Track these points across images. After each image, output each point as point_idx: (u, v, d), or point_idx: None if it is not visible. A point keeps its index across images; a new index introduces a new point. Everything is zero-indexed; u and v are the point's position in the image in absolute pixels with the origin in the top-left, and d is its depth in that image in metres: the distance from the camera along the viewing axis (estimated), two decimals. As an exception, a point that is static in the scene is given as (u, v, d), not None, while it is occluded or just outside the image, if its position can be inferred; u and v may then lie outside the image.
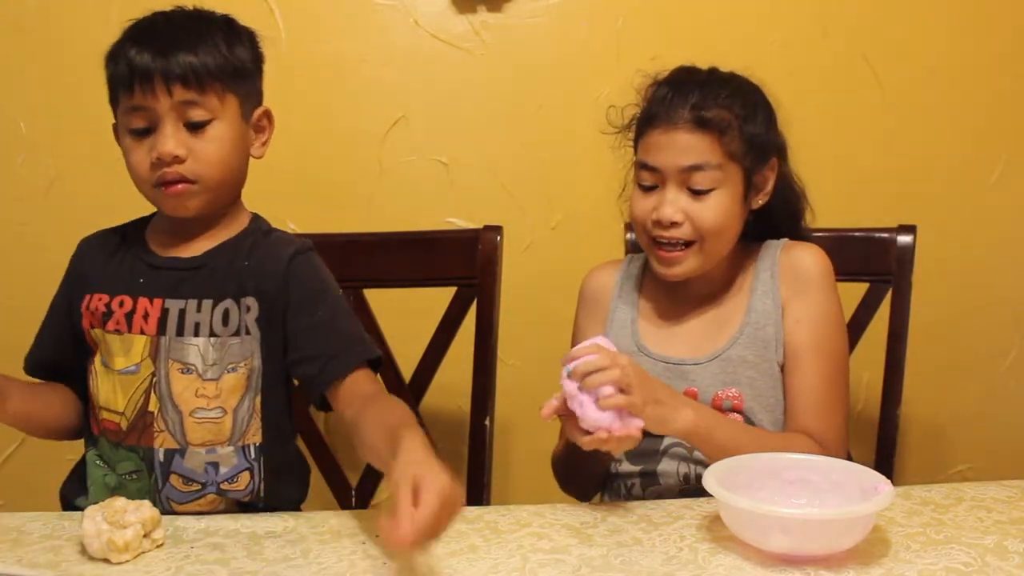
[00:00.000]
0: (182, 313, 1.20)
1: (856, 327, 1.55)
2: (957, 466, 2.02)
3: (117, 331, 1.20)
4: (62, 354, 1.28)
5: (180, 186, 1.17)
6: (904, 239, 1.54)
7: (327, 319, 1.24)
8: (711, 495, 1.01)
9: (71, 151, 1.84)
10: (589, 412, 1.10)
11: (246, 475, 1.22)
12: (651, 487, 1.33)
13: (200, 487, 1.20)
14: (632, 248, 1.54)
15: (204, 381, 1.19)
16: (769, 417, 1.30)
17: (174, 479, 1.19)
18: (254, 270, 1.22)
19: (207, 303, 1.20)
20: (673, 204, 1.28)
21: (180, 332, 1.19)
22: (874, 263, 1.56)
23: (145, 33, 1.18)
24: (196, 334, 1.19)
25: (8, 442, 1.91)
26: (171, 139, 1.15)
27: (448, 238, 1.61)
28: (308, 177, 1.87)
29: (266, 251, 1.25)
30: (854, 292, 1.57)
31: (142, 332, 1.20)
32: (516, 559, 1.01)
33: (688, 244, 1.29)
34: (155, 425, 1.19)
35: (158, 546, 1.05)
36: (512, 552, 1.03)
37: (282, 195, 1.76)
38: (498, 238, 1.55)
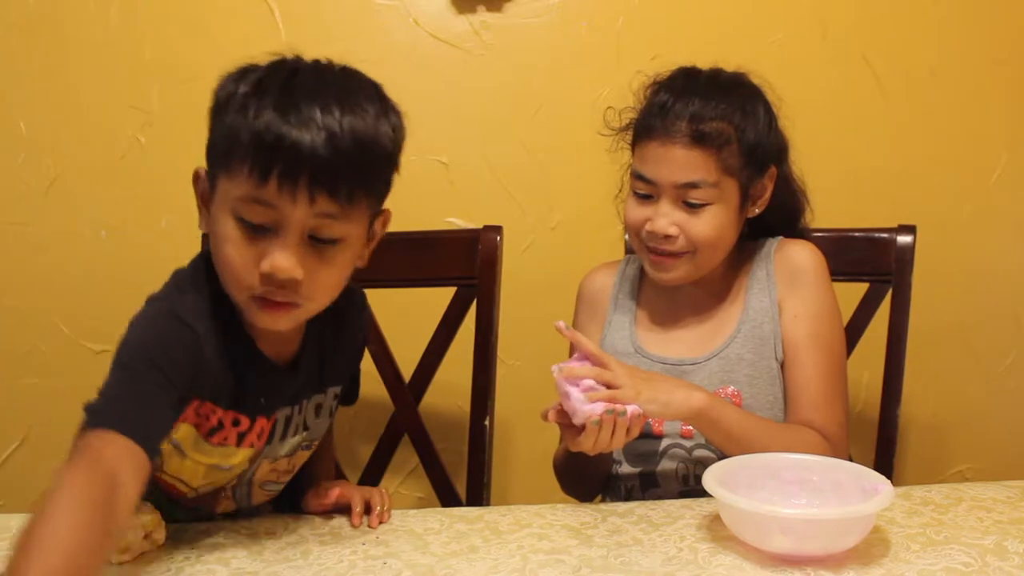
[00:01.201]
0: (288, 419, 1.13)
1: (856, 327, 1.56)
2: (957, 466, 2.02)
3: (221, 444, 1.07)
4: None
5: (284, 308, 0.99)
6: (904, 239, 1.54)
7: (357, 367, 1.29)
8: (711, 495, 1.01)
9: (71, 151, 1.83)
10: (579, 406, 1.10)
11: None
12: (651, 488, 1.33)
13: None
14: (631, 249, 1.54)
15: (278, 460, 1.16)
16: (768, 414, 1.30)
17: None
18: (340, 359, 1.19)
19: (307, 403, 1.15)
20: (667, 217, 1.28)
21: (284, 437, 1.14)
22: (874, 263, 1.56)
23: (295, 105, 0.93)
24: (294, 434, 1.15)
25: (8, 442, 1.91)
26: (294, 258, 0.95)
27: (448, 238, 1.61)
28: (308, 177, 1.86)
29: (345, 333, 1.18)
30: (854, 292, 1.57)
31: (251, 446, 1.10)
32: (516, 559, 1.01)
33: (682, 253, 1.29)
34: (223, 494, 1.16)
35: (159, 547, 1.05)
36: (512, 552, 1.03)
37: (282, 195, 1.76)
38: (498, 238, 1.55)
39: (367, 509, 1.15)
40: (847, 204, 1.81)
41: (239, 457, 1.10)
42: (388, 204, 1.84)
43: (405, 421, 1.58)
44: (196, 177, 1.04)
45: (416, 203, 1.87)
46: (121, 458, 0.87)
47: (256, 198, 0.93)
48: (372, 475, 1.60)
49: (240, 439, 1.08)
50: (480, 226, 1.57)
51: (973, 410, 1.99)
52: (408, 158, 1.86)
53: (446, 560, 1.01)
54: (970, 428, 2.00)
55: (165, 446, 1.05)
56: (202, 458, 1.08)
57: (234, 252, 0.96)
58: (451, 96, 1.87)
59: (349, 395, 1.31)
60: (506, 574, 0.98)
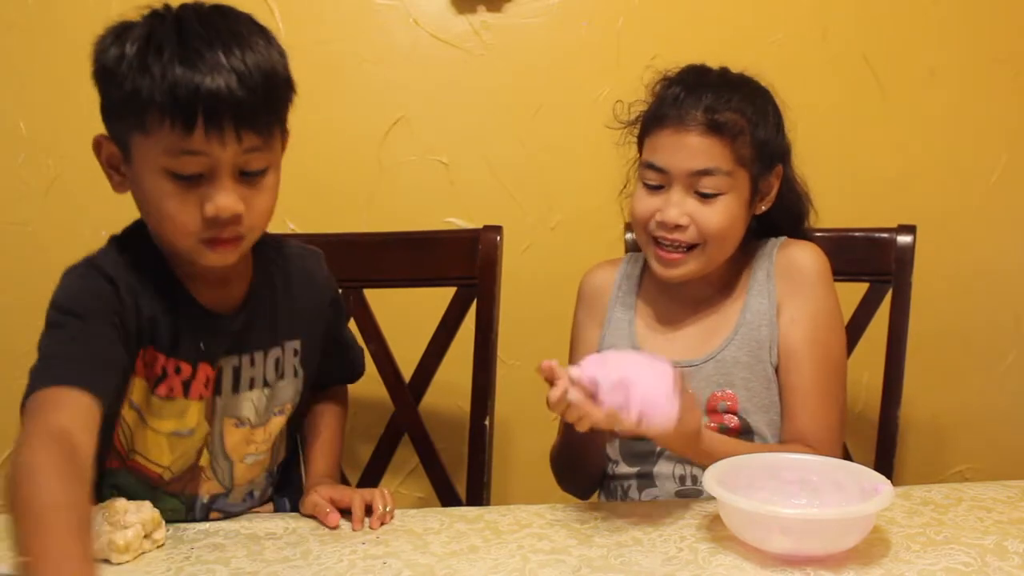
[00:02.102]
0: (236, 371, 1.13)
1: (856, 327, 1.55)
2: (957, 466, 2.02)
3: (169, 397, 1.10)
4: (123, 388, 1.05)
5: (231, 243, 1.04)
6: (904, 239, 1.54)
7: (342, 336, 1.32)
8: (709, 495, 1.01)
9: (71, 151, 1.83)
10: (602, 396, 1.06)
11: (270, 490, 1.26)
12: (647, 488, 1.33)
13: (237, 515, 1.19)
14: (632, 248, 1.54)
15: (254, 428, 1.17)
16: (765, 418, 1.30)
17: (213, 515, 1.18)
18: (295, 311, 1.19)
19: (259, 355, 1.15)
20: (679, 207, 1.26)
21: (236, 390, 1.14)
22: (874, 263, 1.56)
23: (198, 52, 0.96)
24: (251, 388, 1.15)
25: (8, 442, 1.90)
26: (233, 194, 1.00)
27: (448, 238, 1.61)
28: (308, 177, 1.86)
29: (299, 284, 1.20)
30: (854, 292, 1.57)
31: (200, 397, 1.11)
32: (516, 559, 1.01)
33: (690, 248, 1.28)
34: (203, 475, 1.16)
35: (159, 547, 1.05)
36: (512, 552, 1.03)
37: (282, 195, 1.75)
38: (498, 238, 1.55)
39: (368, 511, 1.13)
40: (847, 204, 1.81)
41: (193, 414, 1.11)
42: (387, 202, 1.87)
43: (405, 421, 1.58)
44: (97, 145, 1.06)
45: (416, 203, 1.88)
46: (71, 416, 0.92)
47: (184, 149, 0.97)
48: (372, 475, 1.60)
49: (186, 389, 1.09)
50: (480, 226, 1.57)
51: (973, 410, 1.99)
52: (408, 158, 1.89)
53: (446, 560, 1.01)
54: (970, 428, 2.00)
55: (127, 412, 1.09)
56: (159, 424, 1.10)
57: (173, 205, 1.00)
58: (451, 96, 1.87)
59: (347, 370, 1.34)
60: (506, 574, 0.98)
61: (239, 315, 1.13)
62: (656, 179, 1.29)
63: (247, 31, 1.01)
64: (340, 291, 1.34)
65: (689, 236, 1.27)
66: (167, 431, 1.11)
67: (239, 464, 1.18)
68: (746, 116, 1.27)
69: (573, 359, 1.42)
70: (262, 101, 0.98)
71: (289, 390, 1.20)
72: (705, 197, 1.26)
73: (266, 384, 1.16)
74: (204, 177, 0.99)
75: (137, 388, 1.09)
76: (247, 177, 1.02)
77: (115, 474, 1.15)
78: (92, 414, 0.93)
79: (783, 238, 1.37)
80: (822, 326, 1.30)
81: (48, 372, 0.96)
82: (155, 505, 1.10)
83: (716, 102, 1.25)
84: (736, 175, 1.26)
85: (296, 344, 1.19)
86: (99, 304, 1.02)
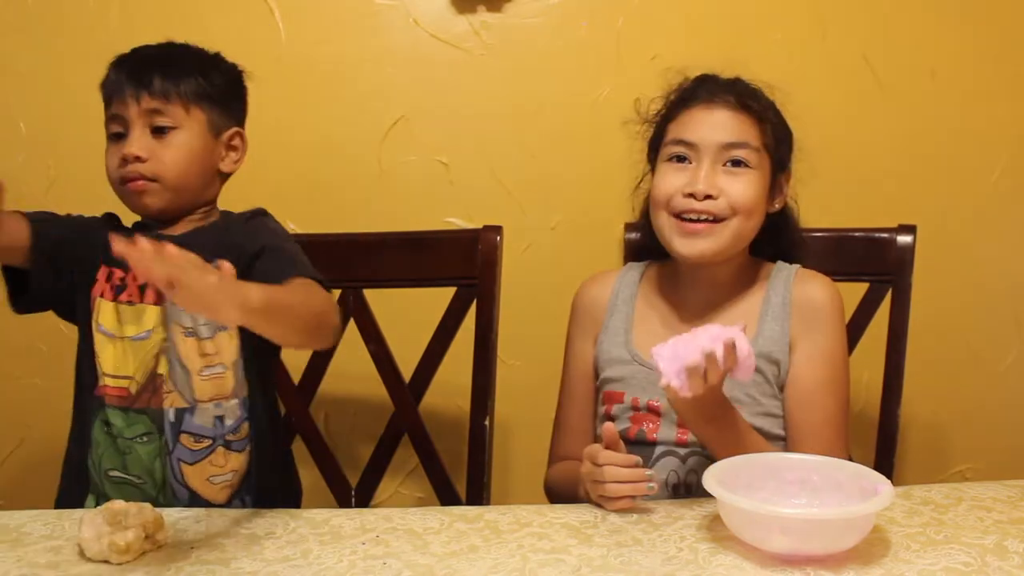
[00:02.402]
0: None
1: (856, 327, 1.55)
2: (957, 466, 2.02)
3: (130, 302, 1.26)
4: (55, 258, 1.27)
5: (140, 183, 1.26)
6: (904, 239, 1.54)
7: (279, 246, 1.30)
8: (708, 498, 1.01)
9: (71, 151, 1.84)
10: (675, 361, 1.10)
11: (246, 425, 1.29)
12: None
13: (210, 443, 1.26)
14: (630, 250, 1.53)
15: (202, 340, 1.25)
16: (766, 422, 1.29)
17: (184, 439, 1.25)
18: (224, 238, 1.29)
19: None
20: (709, 178, 1.27)
21: None
22: (874, 263, 1.56)
23: (127, 57, 1.32)
24: None
25: (8, 442, 1.91)
26: (136, 141, 1.26)
27: (448, 238, 1.61)
28: (308, 177, 1.86)
29: (232, 223, 1.35)
30: (854, 292, 1.57)
31: (156, 303, 1.26)
32: (516, 559, 1.01)
33: (715, 222, 1.28)
34: (164, 387, 1.25)
35: (159, 547, 1.05)
36: (512, 552, 1.03)
37: (282, 195, 1.76)
38: (498, 238, 1.55)
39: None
40: (847, 204, 1.81)
41: (150, 316, 1.25)
42: (387, 202, 1.87)
43: (405, 421, 1.58)
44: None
45: (416, 203, 1.88)
46: None
47: (111, 116, 1.29)
48: (372, 475, 1.60)
49: (142, 293, 1.26)
50: (480, 226, 1.57)
51: (973, 410, 1.99)
52: (408, 158, 1.89)
53: (446, 560, 1.01)
54: (970, 428, 1.99)
55: (98, 338, 1.27)
56: (123, 330, 1.26)
57: (107, 158, 1.29)
58: (451, 96, 1.87)
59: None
60: (506, 574, 0.98)
61: (178, 238, 1.27)
62: (684, 152, 1.30)
63: (186, 52, 1.32)
64: (286, 236, 1.34)
65: (718, 208, 1.27)
66: (130, 336, 1.26)
67: (196, 376, 1.24)
68: (770, 109, 1.32)
69: (567, 374, 1.43)
70: (158, 76, 1.26)
71: None
72: (735, 166, 1.28)
73: None
74: (125, 135, 1.27)
75: (104, 312, 1.27)
76: (157, 132, 1.26)
77: (99, 411, 1.27)
78: None
79: (796, 266, 1.36)
80: (838, 364, 1.31)
81: None
82: (127, 431, 1.25)
83: (745, 89, 1.32)
84: (761, 155, 1.30)
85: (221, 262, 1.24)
86: (83, 229, 1.33)
